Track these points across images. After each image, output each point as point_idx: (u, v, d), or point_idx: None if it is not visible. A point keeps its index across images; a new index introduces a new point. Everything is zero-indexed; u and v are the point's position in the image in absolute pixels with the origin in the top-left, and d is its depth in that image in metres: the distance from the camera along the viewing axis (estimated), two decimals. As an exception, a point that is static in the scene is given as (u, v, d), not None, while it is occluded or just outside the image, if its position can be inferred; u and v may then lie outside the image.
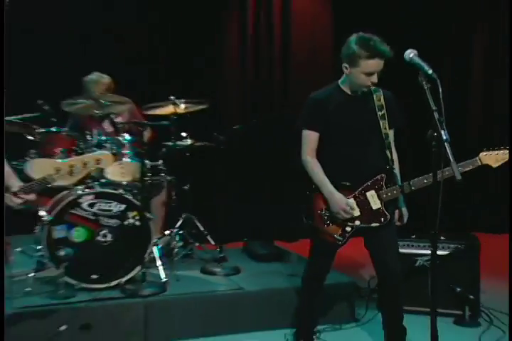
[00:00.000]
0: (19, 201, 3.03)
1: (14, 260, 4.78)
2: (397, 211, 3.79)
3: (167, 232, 5.39)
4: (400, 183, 3.69)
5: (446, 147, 2.97)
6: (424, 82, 3.03)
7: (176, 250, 5.23)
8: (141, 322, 4.23)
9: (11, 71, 5.65)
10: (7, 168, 3.21)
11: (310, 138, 3.72)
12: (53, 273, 4.34)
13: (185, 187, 5.53)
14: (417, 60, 3.09)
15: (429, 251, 4.38)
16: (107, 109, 4.92)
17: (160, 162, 5.35)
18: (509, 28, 6.52)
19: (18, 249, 5.08)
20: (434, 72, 3.00)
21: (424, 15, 7.05)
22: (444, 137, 2.95)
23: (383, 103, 3.73)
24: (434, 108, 2.98)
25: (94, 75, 5.50)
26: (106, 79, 5.51)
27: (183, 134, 5.44)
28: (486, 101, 7.77)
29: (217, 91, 6.79)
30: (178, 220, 5.51)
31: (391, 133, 3.78)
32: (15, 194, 3.00)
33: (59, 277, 4.26)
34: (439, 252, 4.04)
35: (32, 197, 3.06)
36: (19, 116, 5.04)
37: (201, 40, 6.88)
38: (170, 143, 5.37)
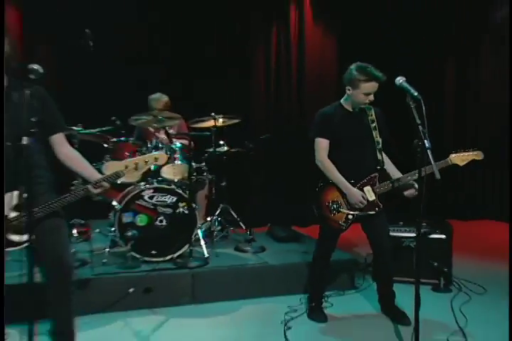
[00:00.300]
0: (98, 190, 3.01)
1: (93, 238, 4.94)
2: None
3: (208, 219, 5.42)
4: (393, 179, 3.75)
5: (429, 153, 3.05)
6: (410, 102, 3.09)
7: (215, 233, 5.33)
8: (189, 288, 4.31)
9: (92, 94, 5.83)
10: (87, 164, 3.17)
11: (322, 144, 3.77)
12: (123, 249, 4.48)
13: (223, 183, 5.54)
14: (405, 84, 3.17)
15: (413, 234, 4.55)
16: (163, 123, 4.91)
17: (203, 164, 5.38)
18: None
19: (97, 230, 5.27)
20: (419, 94, 3.06)
21: (410, 51, 7.00)
22: (427, 145, 3.03)
23: (374, 118, 3.82)
24: (418, 122, 3.05)
25: (157, 94, 5.57)
26: (165, 98, 5.56)
27: (221, 142, 5.47)
28: (456, 115, 7.76)
29: (248, 108, 6.76)
30: (217, 209, 5.53)
31: (381, 141, 3.84)
32: (95, 184, 2.97)
33: (127, 252, 4.40)
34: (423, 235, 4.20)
35: (107, 186, 3.01)
36: (98, 129, 5.13)
37: (235, 69, 6.88)
38: (211, 150, 5.33)
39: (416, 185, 3.65)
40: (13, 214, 2.85)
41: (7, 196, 2.83)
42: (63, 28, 5.73)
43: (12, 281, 3.59)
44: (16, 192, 2.81)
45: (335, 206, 3.78)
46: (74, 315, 3.27)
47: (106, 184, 3.01)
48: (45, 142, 3.06)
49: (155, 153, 3.20)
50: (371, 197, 3.76)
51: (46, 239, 2.97)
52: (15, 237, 2.91)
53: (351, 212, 3.77)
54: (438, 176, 3.17)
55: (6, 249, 2.95)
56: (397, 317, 3.90)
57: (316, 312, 4.02)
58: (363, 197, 3.72)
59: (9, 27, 5.82)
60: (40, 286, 3.01)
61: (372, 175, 3.78)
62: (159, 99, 5.54)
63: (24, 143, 2.53)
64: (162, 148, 4.91)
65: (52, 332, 3.27)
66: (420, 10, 7.13)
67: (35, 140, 2.66)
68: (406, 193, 3.76)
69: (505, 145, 7.33)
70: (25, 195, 2.68)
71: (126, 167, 3.06)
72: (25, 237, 2.86)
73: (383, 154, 3.86)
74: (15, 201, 2.83)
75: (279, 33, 7.17)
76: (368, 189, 3.76)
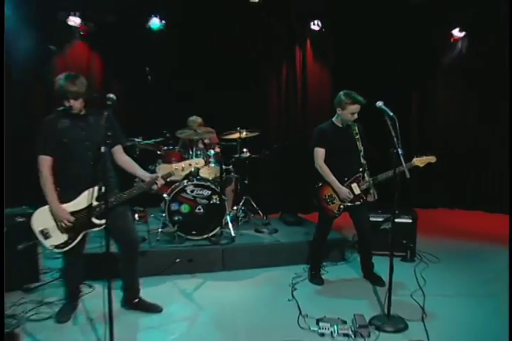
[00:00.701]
0: (157, 186, 3.08)
1: (149, 221, 4.99)
2: (370, 193, 3.86)
3: (234, 208, 5.42)
4: (371, 177, 3.79)
5: (401, 158, 3.12)
6: (387, 120, 3.13)
7: (240, 218, 5.33)
8: (220, 259, 4.34)
9: (149, 114, 5.89)
10: (137, 167, 3.21)
11: (320, 153, 3.80)
12: (171, 230, 4.49)
13: (245, 181, 5.52)
14: (384, 107, 3.20)
15: (389, 219, 4.54)
16: (201, 136, 4.95)
17: (230, 166, 5.42)
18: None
19: (152, 215, 5.33)
20: (394, 114, 3.10)
21: (387, 80, 6.97)
22: (400, 152, 3.10)
23: (358, 131, 3.83)
24: (393, 134, 3.08)
25: (193, 117, 5.54)
26: (199, 119, 5.52)
27: (244, 150, 5.47)
28: (419, 130, 7.77)
29: (265, 125, 6.70)
30: (241, 200, 5.50)
31: (363, 149, 3.85)
32: (156, 180, 3.04)
33: (174, 232, 4.42)
34: (395, 220, 4.22)
35: (163, 182, 3.09)
36: (153, 140, 5.23)
37: (254, 95, 6.87)
38: (236, 155, 5.38)
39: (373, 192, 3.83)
40: (95, 203, 2.95)
41: (90, 190, 2.92)
42: (130, 66, 5.82)
43: (95, 251, 3.69)
44: (96, 187, 2.88)
45: (330, 199, 3.82)
46: (138, 276, 3.38)
47: (162, 181, 3.09)
48: (109, 151, 3.11)
49: (196, 159, 3.26)
50: (357, 191, 3.80)
51: (118, 222, 3.06)
52: (96, 221, 3.01)
53: (342, 203, 3.81)
54: (408, 175, 3.20)
55: (91, 230, 3.05)
56: (375, 280, 3.96)
57: (315, 278, 4.04)
58: (349, 192, 3.76)
59: (94, 68, 5.94)
60: (115, 255, 3.13)
61: (357, 175, 3.82)
62: (195, 120, 5.52)
63: (102, 151, 2.62)
64: (200, 154, 4.94)
65: (123, 288, 3.39)
66: (393, 50, 7.12)
67: (108, 149, 2.76)
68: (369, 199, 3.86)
69: (454, 149, 7.43)
70: (103, 189, 2.78)
71: (176, 168, 3.14)
72: (103, 221, 2.97)
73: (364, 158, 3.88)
74: (96, 194, 2.92)
75: (288, 67, 7.16)
76: (354, 185, 3.81)
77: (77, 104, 2.95)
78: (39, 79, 6.03)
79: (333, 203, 3.82)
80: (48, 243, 3.00)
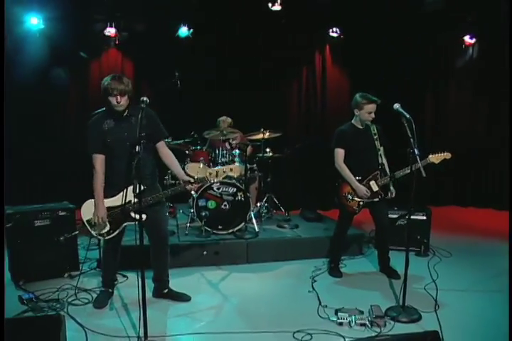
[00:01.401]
0: (191, 188, 3.13)
1: (178, 216, 5.08)
2: (390, 191, 3.85)
3: (258, 204, 5.42)
4: (389, 175, 3.79)
5: (417, 158, 3.13)
6: (404, 121, 3.13)
7: (263, 214, 5.33)
8: (244, 252, 4.36)
9: (178, 116, 5.97)
10: (177, 163, 3.25)
11: (340, 153, 3.82)
12: (198, 224, 4.56)
13: (268, 179, 5.54)
14: (401, 109, 3.19)
15: (405, 216, 4.51)
16: (227, 136, 4.98)
17: (254, 165, 5.37)
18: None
19: (181, 211, 5.38)
20: (410, 116, 3.11)
21: (401, 83, 6.95)
22: (416, 152, 3.11)
23: (376, 132, 3.84)
24: (410, 135, 3.08)
25: (223, 117, 5.59)
26: (229, 119, 5.56)
27: (267, 149, 5.44)
28: (433, 130, 7.67)
29: (286, 126, 6.69)
30: (264, 197, 5.53)
31: (381, 148, 3.86)
32: (192, 183, 3.09)
33: (201, 226, 4.48)
34: (412, 217, 4.20)
35: (197, 186, 3.16)
36: (181, 140, 5.28)
37: (278, 99, 6.88)
38: (260, 155, 5.36)
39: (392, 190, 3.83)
40: (133, 200, 3.03)
41: (129, 188, 2.96)
42: (159, 71, 5.89)
43: (129, 243, 3.78)
44: (134, 185, 2.90)
45: (350, 196, 3.82)
46: (168, 267, 3.45)
47: (196, 184, 3.15)
48: (150, 149, 3.19)
49: (232, 165, 3.25)
50: (375, 188, 3.80)
51: (153, 217, 3.12)
52: (134, 215, 3.10)
53: (361, 200, 3.81)
54: (424, 174, 3.22)
55: (126, 223, 3.15)
56: (391, 274, 3.96)
57: (334, 271, 4.06)
58: (367, 190, 3.76)
59: (126, 73, 6.10)
60: (147, 247, 3.21)
61: (375, 173, 3.82)
62: (225, 120, 5.58)
63: (137, 150, 2.68)
64: (226, 154, 4.95)
65: (154, 279, 3.47)
66: (407, 54, 7.05)
67: (143, 148, 2.84)
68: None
69: (467, 148, 7.28)
70: (140, 186, 2.83)
71: (210, 174, 3.17)
72: (138, 216, 3.05)
73: (383, 157, 3.88)
74: (135, 191, 2.96)
75: (309, 71, 7.17)
76: (372, 183, 3.80)
77: (123, 101, 3.00)
78: (75, 85, 6.26)
79: (352, 200, 3.82)
80: (94, 231, 3.16)
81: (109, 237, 3.18)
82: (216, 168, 3.19)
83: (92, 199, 3.13)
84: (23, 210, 3.76)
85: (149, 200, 3.08)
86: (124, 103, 3.03)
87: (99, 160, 3.09)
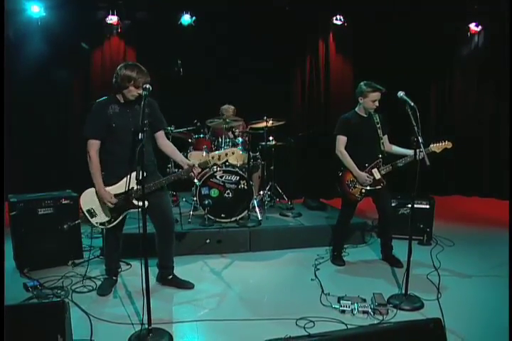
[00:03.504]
0: (194, 174, 3.11)
1: (181, 204, 5.00)
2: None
3: (261, 193, 5.41)
4: (392, 163, 3.75)
5: (421, 146, 3.10)
6: (408, 109, 3.09)
7: (266, 202, 5.32)
8: (247, 240, 4.36)
9: (180, 104, 5.95)
10: (178, 152, 3.25)
11: (341, 140, 3.78)
12: (201, 213, 4.56)
13: (271, 167, 5.53)
14: (405, 97, 3.16)
15: (408, 205, 4.51)
16: (229, 125, 4.95)
17: (257, 153, 5.39)
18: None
19: (183, 199, 5.37)
20: (414, 104, 3.06)
21: (406, 70, 6.90)
22: (420, 140, 3.08)
23: (379, 121, 3.82)
24: (414, 124, 3.04)
25: (226, 106, 5.57)
26: (232, 107, 5.55)
27: (270, 138, 5.45)
28: (438, 118, 7.63)
29: (290, 114, 6.67)
30: (267, 186, 5.55)
31: (384, 137, 3.85)
32: (193, 168, 3.06)
33: (204, 215, 4.48)
34: (415, 206, 4.18)
35: (199, 170, 3.12)
36: (184, 129, 5.26)
37: (281, 86, 6.85)
38: (263, 143, 5.31)
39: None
40: (136, 187, 2.99)
41: (132, 174, 2.93)
42: (162, 59, 5.81)
43: (133, 231, 3.77)
44: (136, 172, 2.92)
45: (352, 184, 3.79)
46: (173, 254, 3.44)
47: (199, 169, 3.12)
48: (151, 137, 3.18)
49: (233, 149, 3.21)
50: (377, 176, 3.77)
51: (156, 204, 3.12)
52: (137, 202, 3.08)
53: (363, 187, 3.79)
54: (428, 163, 3.19)
55: (130, 210, 3.14)
56: (394, 262, 3.95)
57: (337, 259, 4.05)
58: (368, 177, 3.73)
59: (128, 60, 6.02)
60: (150, 235, 3.17)
61: (377, 161, 3.79)
62: (227, 108, 5.56)
63: (140, 137, 2.64)
64: (229, 142, 4.92)
65: (159, 265, 3.48)
66: (412, 42, 6.97)
67: (146, 135, 2.80)
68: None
69: (470, 136, 7.25)
70: (141, 173, 2.81)
71: (213, 157, 3.14)
72: (141, 203, 3.03)
73: (386, 145, 3.87)
74: (137, 177, 2.95)
75: (312, 60, 7.11)
76: (375, 170, 3.78)
77: (139, 90, 2.98)
78: (77, 73, 6.20)
79: (355, 188, 3.79)
80: (94, 220, 3.14)
81: (110, 226, 3.16)
82: (218, 152, 3.17)
83: (92, 188, 3.11)
84: (27, 199, 3.75)
85: (152, 186, 3.05)
86: (140, 92, 3.00)
87: (95, 146, 3.07)
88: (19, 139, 5.93)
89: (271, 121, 5.19)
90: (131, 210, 3.13)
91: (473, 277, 3.69)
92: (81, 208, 3.16)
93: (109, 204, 3.06)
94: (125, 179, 3.04)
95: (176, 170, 4.95)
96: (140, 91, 2.95)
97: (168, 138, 4.96)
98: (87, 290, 3.35)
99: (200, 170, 3.13)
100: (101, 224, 3.15)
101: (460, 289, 3.42)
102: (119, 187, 3.10)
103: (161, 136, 3.25)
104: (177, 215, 4.59)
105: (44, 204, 3.76)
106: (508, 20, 6.18)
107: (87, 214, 3.14)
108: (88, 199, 3.12)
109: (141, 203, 2.67)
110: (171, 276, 3.46)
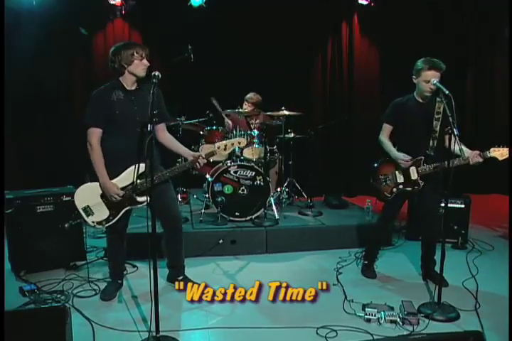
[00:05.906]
0: (199, 165, 3.11)
1: (192, 202, 5.03)
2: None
3: (278, 189, 5.34)
4: (435, 164, 3.40)
5: (457, 138, 2.96)
6: (442, 98, 3.02)
7: (284, 200, 5.30)
8: (263, 241, 4.35)
9: (192, 94, 5.93)
10: (179, 144, 3.26)
11: (386, 128, 3.60)
12: (214, 211, 4.55)
13: (290, 162, 5.48)
14: (439, 84, 3.08)
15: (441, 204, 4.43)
16: (242, 115, 4.96)
17: (275, 147, 5.30)
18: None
19: (195, 196, 5.38)
20: (449, 92, 2.98)
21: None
22: (456, 132, 2.95)
23: (441, 111, 3.33)
24: (449, 114, 2.94)
25: (251, 94, 5.50)
26: (257, 96, 5.48)
27: (289, 130, 5.40)
28: (474, 109, 7.40)
29: (309, 103, 6.65)
30: (285, 182, 5.49)
31: (439, 130, 3.40)
32: (198, 158, 3.08)
33: (217, 213, 4.47)
34: (449, 205, 4.10)
35: (205, 161, 3.11)
36: (195, 120, 5.24)
37: (302, 75, 6.83)
38: (281, 136, 5.21)
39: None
40: (138, 181, 2.96)
41: (135, 167, 2.90)
42: (170, 43, 5.81)
43: (138, 231, 3.78)
44: (142, 165, 2.89)
45: (385, 179, 3.61)
46: (183, 252, 3.44)
47: (204, 160, 3.11)
48: (156, 128, 3.14)
49: (238, 138, 3.26)
50: (414, 176, 3.48)
51: (161, 199, 3.11)
52: (138, 198, 3.07)
53: (396, 186, 3.56)
54: (464, 157, 3.12)
55: (133, 207, 3.12)
56: (437, 281, 3.30)
57: (368, 270, 3.83)
58: (404, 155, 3.45)
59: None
60: (159, 235, 3.16)
61: (418, 158, 3.46)
62: (252, 97, 5.48)
63: (148, 129, 2.61)
64: (243, 134, 4.90)
65: (168, 265, 3.49)
66: (447, 25, 6.85)
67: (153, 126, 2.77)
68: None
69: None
70: (147, 167, 2.80)
71: (219, 147, 3.16)
72: (145, 198, 3.03)
73: (436, 141, 3.43)
74: (140, 170, 2.92)
75: (334, 44, 7.02)
76: (412, 169, 3.48)
77: (146, 62, 3.01)
78: (78, 58, 6.21)
79: (386, 184, 3.61)
80: (90, 220, 3.10)
81: (108, 225, 3.11)
82: (224, 142, 3.16)
83: (86, 185, 3.09)
84: (25, 195, 3.73)
85: (155, 180, 3.02)
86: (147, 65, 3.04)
87: (96, 135, 3.03)
88: (17, 131, 5.92)
89: (288, 112, 5.10)
90: (130, 207, 3.11)
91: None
92: (76, 208, 3.10)
93: (116, 197, 3.02)
94: (126, 172, 3.02)
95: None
96: (147, 63, 2.98)
97: (178, 130, 5.03)
98: (89, 295, 3.34)
99: (205, 160, 3.13)
100: (98, 223, 3.09)
101: (501, 299, 3.28)
102: (120, 181, 3.07)
103: (162, 129, 3.26)
104: (187, 214, 4.63)
105: (44, 202, 3.75)
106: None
107: (82, 213, 3.09)
108: (83, 196, 3.09)
109: (142, 198, 2.65)
110: (181, 277, 3.45)
